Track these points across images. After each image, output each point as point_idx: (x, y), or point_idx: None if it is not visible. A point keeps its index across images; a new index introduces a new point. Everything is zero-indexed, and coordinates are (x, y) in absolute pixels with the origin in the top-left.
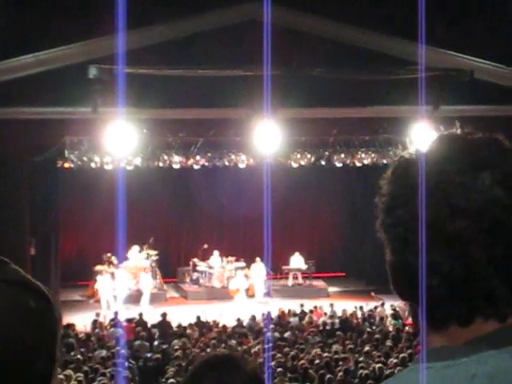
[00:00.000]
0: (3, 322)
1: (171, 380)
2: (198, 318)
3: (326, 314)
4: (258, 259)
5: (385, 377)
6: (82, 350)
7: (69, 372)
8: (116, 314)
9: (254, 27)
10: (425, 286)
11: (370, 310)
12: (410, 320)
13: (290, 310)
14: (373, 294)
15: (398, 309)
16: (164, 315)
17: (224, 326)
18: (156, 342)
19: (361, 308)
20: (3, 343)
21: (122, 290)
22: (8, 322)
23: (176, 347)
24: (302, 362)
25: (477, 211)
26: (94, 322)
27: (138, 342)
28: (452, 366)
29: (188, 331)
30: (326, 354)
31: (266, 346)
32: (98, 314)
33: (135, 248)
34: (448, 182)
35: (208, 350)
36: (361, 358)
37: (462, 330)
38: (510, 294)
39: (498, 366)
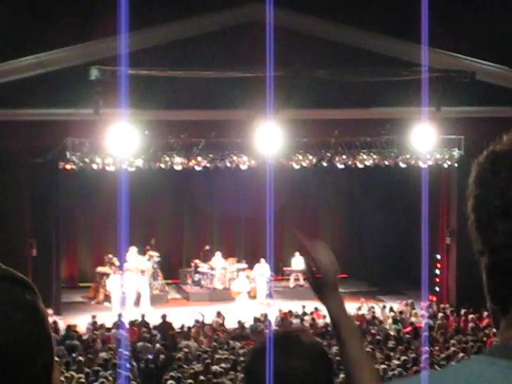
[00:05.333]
0: (12, 318)
1: (171, 381)
2: (197, 320)
3: (325, 316)
4: (262, 260)
5: (387, 378)
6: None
7: (70, 373)
8: (119, 315)
9: (256, 28)
10: None
11: (370, 311)
12: (409, 323)
13: (291, 312)
14: (362, 300)
15: (397, 311)
16: (164, 317)
17: (224, 328)
18: (157, 344)
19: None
20: (14, 340)
21: (129, 291)
22: (15, 318)
23: (180, 348)
24: None
25: None
26: (93, 324)
27: (140, 344)
28: None
29: (191, 333)
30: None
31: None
32: (94, 317)
33: (133, 249)
34: None
35: (210, 351)
36: None
37: None
38: None
39: None
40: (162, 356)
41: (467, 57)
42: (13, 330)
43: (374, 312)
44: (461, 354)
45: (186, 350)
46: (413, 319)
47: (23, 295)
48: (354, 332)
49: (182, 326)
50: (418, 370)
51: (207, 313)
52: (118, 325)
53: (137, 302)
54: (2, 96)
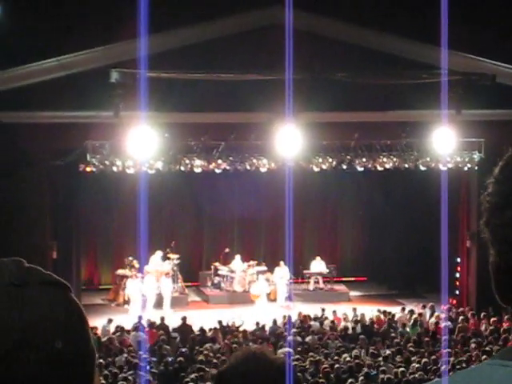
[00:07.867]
0: (73, 325)
1: None
2: (220, 322)
3: (345, 319)
4: (281, 263)
5: (405, 382)
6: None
7: None
8: (140, 318)
9: (275, 31)
10: None
11: (391, 314)
12: (431, 325)
13: (312, 315)
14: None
15: (417, 314)
16: (184, 319)
17: (245, 331)
18: (177, 346)
19: (383, 312)
20: (73, 345)
21: (150, 293)
22: (75, 324)
23: (198, 351)
24: (323, 366)
25: None
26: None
27: (159, 346)
28: None
29: (210, 335)
30: (347, 359)
31: (287, 351)
32: (110, 321)
33: (158, 253)
34: None
35: (229, 354)
36: (382, 363)
37: None
38: None
39: None
40: (181, 358)
41: (488, 59)
42: (69, 335)
43: (393, 315)
44: (482, 357)
45: (205, 352)
46: (432, 322)
47: (74, 301)
48: None
49: (201, 329)
50: (439, 373)
51: (227, 316)
52: (138, 327)
53: (156, 305)
54: (24, 98)
